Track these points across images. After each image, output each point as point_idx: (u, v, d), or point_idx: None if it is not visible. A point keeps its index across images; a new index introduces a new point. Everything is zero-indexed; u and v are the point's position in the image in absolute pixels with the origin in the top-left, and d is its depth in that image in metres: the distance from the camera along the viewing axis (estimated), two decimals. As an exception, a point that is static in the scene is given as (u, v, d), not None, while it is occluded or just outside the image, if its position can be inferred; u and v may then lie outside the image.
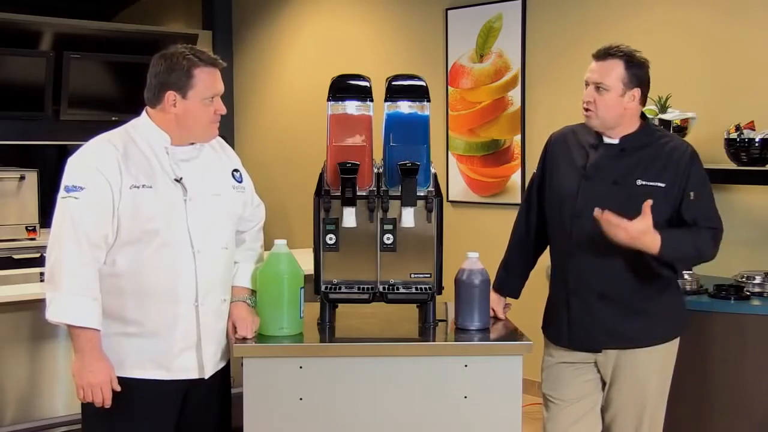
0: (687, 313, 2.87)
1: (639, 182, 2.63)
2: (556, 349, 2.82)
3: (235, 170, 2.61)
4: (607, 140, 2.70)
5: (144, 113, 2.48)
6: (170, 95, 2.40)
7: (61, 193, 2.35)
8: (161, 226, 2.38)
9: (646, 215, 2.50)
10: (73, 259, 2.32)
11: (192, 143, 2.49)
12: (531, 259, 2.95)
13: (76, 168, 2.38)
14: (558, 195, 2.77)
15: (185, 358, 2.45)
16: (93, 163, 2.37)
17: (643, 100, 2.69)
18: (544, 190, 2.84)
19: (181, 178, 2.44)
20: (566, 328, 2.76)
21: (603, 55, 2.64)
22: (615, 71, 2.61)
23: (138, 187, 2.37)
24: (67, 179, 2.36)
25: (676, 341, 2.77)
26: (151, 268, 2.38)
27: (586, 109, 2.67)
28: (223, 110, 2.47)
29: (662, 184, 2.63)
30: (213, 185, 2.52)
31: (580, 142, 2.76)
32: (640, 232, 2.50)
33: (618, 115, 2.65)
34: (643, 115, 2.75)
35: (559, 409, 2.82)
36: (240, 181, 2.61)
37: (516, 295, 2.92)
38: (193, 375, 2.47)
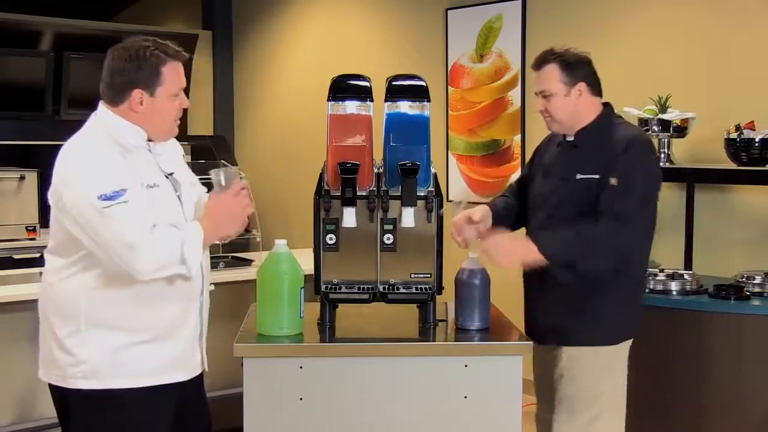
0: (636, 318, 2.75)
1: (578, 176, 2.65)
2: None
3: (183, 156, 2.54)
4: (568, 138, 2.74)
5: (105, 110, 2.33)
6: (137, 93, 2.25)
7: (100, 203, 2.14)
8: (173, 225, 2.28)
9: (486, 239, 2.61)
10: (153, 236, 2.17)
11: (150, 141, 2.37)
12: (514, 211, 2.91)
13: (101, 175, 2.19)
14: (530, 191, 2.85)
15: (194, 354, 2.39)
16: (113, 165, 2.21)
17: (595, 91, 2.69)
18: (524, 183, 2.91)
19: (171, 173, 2.36)
20: (527, 317, 2.82)
21: (538, 63, 2.70)
22: (552, 75, 2.65)
23: (151, 186, 2.27)
24: (98, 188, 2.15)
25: (624, 345, 2.69)
26: None
27: (545, 118, 2.72)
28: (187, 104, 2.36)
29: (597, 176, 2.61)
30: (186, 176, 2.46)
31: (556, 141, 2.81)
32: (495, 248, 2.56)
33: (571, 114, 2.68)
34: (606, 105, 2.74)
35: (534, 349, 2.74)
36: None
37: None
38: (199, 370, 2.42)
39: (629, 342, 2.72)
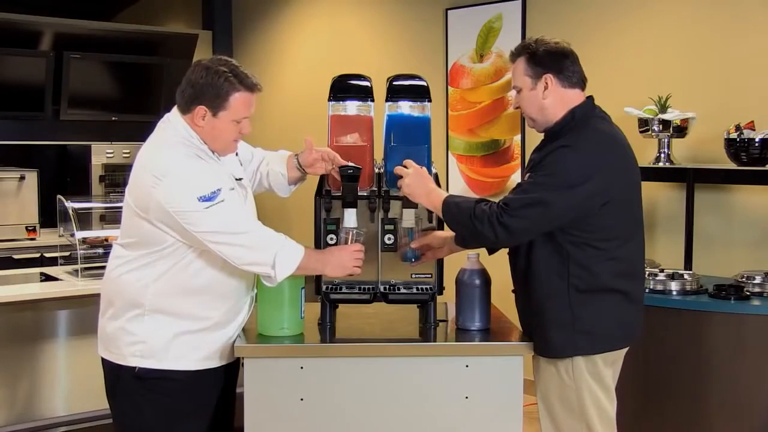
0: (606, 332, 2.45)
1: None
2: None
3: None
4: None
5: (177, 114, 2.44)
6: (201, 110, 2.38)
7: (201, 205, 2.29)
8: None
9: (405, 169, 2.52)
10: (255, 230, 2.38)
11: None
12: None
13: (197, 177, 2.33)
14: None
15: (235, 342, 2.53)
16: (205, 167, 2.37)
17: (569, 83, 2.49)
18: None
19: (240, 179, 2.53)
20: None
21: (511, 57, 2.55)
22: (519, 69, 2.51)
23: (233, 189, 2.43)
24: (197, 191, 2.30)
25: (589, 361, 2.44)
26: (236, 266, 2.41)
27: (522, 115, 2.60)
28: (248, 131, 2.47)
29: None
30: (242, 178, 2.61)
31: None
32: (405, 178, 2.51)
33: (540, 109, 2.50)
34: (582, 105, 2.50)
35: None
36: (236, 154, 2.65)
37: None
38: (234, 356, 2.55)
39: (592, 361, 2.44)
